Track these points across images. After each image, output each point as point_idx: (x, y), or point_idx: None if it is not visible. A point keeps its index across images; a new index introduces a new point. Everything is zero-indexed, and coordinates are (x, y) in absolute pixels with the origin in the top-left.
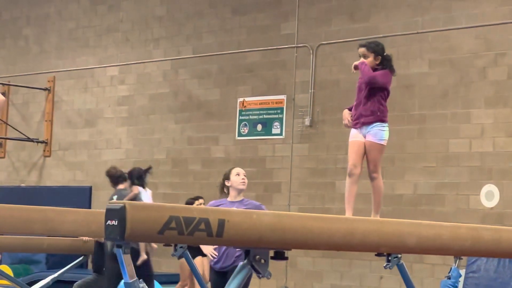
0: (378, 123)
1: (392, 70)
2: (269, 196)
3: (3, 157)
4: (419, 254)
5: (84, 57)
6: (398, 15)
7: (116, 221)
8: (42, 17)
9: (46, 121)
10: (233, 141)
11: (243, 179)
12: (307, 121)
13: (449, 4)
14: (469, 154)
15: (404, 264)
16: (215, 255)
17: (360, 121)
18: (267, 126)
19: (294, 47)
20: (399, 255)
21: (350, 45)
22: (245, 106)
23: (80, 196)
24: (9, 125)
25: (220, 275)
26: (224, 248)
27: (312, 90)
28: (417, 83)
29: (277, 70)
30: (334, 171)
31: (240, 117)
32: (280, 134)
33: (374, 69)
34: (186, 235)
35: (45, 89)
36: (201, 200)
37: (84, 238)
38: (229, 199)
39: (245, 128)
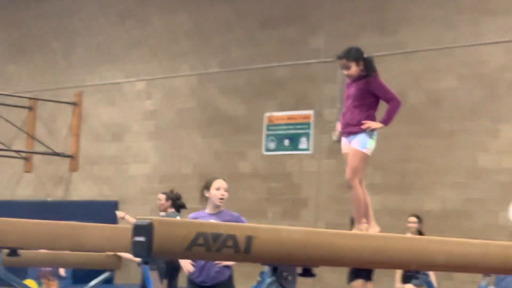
0: (365, 133)
1: (376, 71)
2: (296, 211)
3: (30, 172)
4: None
5: (112, 71)
6: (427, 30)
7: (144, 238)
8: (70, 31)
9: (73, 135)
10: (260, 156)
11: (222, 194)
12: (334, 136)
13: (478, 19)
14: (498, 169)
15: (432, 282)
16: (193, 269)
17: (346, 131)
18: (294, 141)
19: (322, 61)
20: (428, 272)
21: (378, 60)
22: (272, 121)
23: (106, 211)
24: (36, 140)
25: None
26: (203, 262)
27: (340, 105)
28: (445, 98)
29: (305, 85)
30: None
31: (267, 132)
32: (308, 149)
33: (361, 76)
34: (213, 251)
35: (72, 103)
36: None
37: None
38: (207, 211)
39: (272, 143)
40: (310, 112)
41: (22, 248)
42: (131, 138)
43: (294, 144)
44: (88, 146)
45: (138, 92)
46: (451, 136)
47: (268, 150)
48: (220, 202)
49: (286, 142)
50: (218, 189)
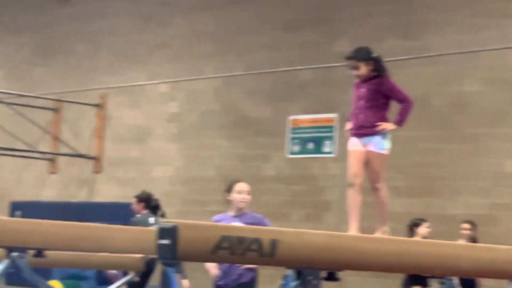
0: (380, 135)
1: (386, 71)
2: (319, 214)
3: (55, 173)
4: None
5: (135, 73)
6: (451, 33)
7: (168, 240)
8: (94, 34)
9: (96, 137)
10: (284, 159)
11: (243, 198)
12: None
13: (503, 22)
14: None
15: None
16: (218, 272)
17: (361, 132)
18: (318, 144)
19: (346, 65)
20: (453, 278)
21: (402, 64)
22: (296, 124)
23: (129, 213)
24: (61, 141)
25: None
26: (226, 265)
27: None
28: (470, 102)
29: (328, 88)
30: None
31: (291, 135)
32: (331, 152)
33: (372, 77)
34: (238, 255)
35: (96, 105)
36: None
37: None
38: (230, 213)
39: (296, 146)
40: (334, 115)
41: (46, 249)
42: (154, 140)
43: (318, 147)
44: (111, 148)
45: (161, 94)
46: (476, 140)
47: (291, 153)
48: (242, 205)
49: (310, 145)
50: (240, 193)
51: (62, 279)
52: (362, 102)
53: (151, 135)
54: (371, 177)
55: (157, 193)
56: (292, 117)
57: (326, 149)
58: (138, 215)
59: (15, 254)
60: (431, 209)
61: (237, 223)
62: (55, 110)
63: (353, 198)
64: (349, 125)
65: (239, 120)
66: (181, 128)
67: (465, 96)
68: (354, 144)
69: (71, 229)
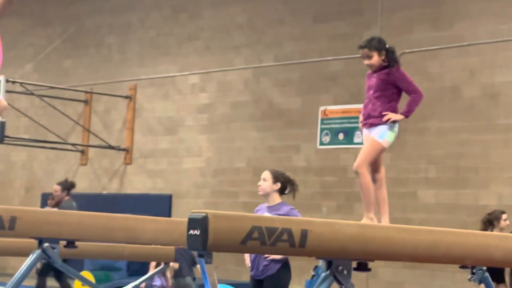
0: (386, 125)
1: (399, 63)
2: (350, 205)
3: (86, 165)
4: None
5: (165, 65)
6: (483, 23)
7: (199, 231)
8: (124, 26)
9: (127, 128)
10: (315, 150)
11: (258, 185)
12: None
13: None
14: None
15: (489, 277)
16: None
17: (368, 122)
18: (348, 135)
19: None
20: (484, 268)
21: (433, 54)
22: (326, 115)
23: (160, 204)
24: (92, 133)
25: (256, 282)
26: (253, 256)
27: None
28: (502, 92)
29: (359, 79)
30: (416, 181)
31: (322, 126)
32: (362, 143)
33: (383, 67)
34: (268, 245)
35: (126, 97)
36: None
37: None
38: (266, 204)
39: (326, 137)
40: None
41: (78, 240)
42: (184, 131)
43: (349, 138)
44: (142, 139)
45: (191, 86)
46: (508, 131)
47: (322, 144)
48: (259, 192)
49: (341, 136)
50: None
51: (93, 270)
52: (371, 92)
53: (182, 127)
54: (356, 160)
55: (187, 184)
56: (322, 108)
57: (357, 139)
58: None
59: (46, 244)
60: (463, 200)
61: (267, 214)
62: (85, 102)
63: (370, 187)
64: (361, 117)
65: (269, 111)
66: (211, 120)
67: (497, 87)
68: (365, 139)
69: (102, 220)
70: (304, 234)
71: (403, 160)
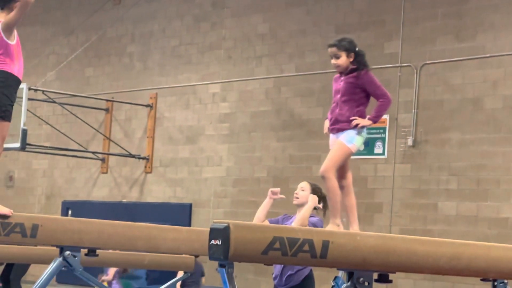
0: (354, 130)
1: (368, 66)
2: (370, 216)
3: (106, 173)
4: None
5: (186, 74)
6: (506, 35)
7: (220, 241)
8: (146, 35)
9: (148, 137)
10: None
11: (295, 193)
12: (409, 141)
13: None
14: None
15: None
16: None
17: (335, 127)
18: (369, 145)
19: (397, 66)
20: (506, 281)
21: (455, 65)
22: None
23: (180, 213)
24: (112, 141)
25: None
26: (278, 266)
27: (415, 110)
28: None
29: None
30: (437, 192)
31: None
32: (382, 154)
33: (351, 70)
34: (290, 256)
35: (147, 106)
36: None
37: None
38: (298, 214)
39: None
40: (385, 116)
41: (99, 249)
42: (205, 140)
43: (369, 149)
44: (162, 148)
45: (212, 95)
46: None
47: None
48: (294, 201)
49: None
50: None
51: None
52: (338, 96)
53: (202, 136)
54: (323, 164)
55: (208, 194)
56: None
57: (377, 150)
58: None
59: (67, 252)
60: (484, 212)
61: (290, 226)
62: (107, 110)
63: (337, 192)
64: (327, 123)
65: (290, 121)
66: (232, 129)
67: None
68: (332, 144)
69: (123, 228)
70: (325, 245)
71: (424, 172)
